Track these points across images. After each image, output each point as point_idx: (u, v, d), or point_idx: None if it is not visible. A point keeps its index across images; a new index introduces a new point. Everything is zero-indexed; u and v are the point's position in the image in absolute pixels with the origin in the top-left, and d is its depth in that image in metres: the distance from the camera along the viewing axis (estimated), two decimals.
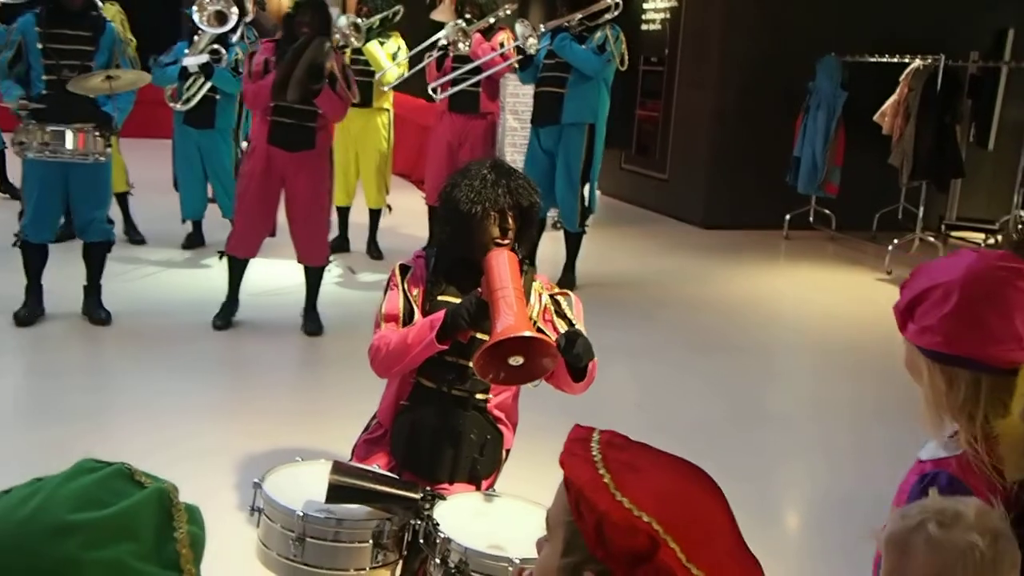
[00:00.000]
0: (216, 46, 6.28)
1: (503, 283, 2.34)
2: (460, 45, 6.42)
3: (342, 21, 6.46)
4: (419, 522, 2.21)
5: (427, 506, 2.20)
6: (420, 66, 6.84)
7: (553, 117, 6.33)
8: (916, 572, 1.25)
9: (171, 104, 6.65)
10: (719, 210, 9.10)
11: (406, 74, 6.91)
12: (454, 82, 6.56)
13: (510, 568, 2.00)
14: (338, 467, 2.21)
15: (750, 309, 6.52)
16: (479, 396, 2.58)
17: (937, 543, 1.23)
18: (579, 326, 2.52)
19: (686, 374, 5.13)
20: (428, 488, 2.28)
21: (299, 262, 5.41)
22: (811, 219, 8.92)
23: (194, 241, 7.12)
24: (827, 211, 8.80)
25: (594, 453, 1.13)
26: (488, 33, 6.66)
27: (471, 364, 2.42)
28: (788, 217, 8.83)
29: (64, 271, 5.41)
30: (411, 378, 2.58)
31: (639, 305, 6.45)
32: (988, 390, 1.48)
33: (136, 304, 5.67)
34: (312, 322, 5.41)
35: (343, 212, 7.23)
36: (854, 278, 7.57)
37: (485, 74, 6.60)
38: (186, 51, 6.35)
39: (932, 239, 7.98)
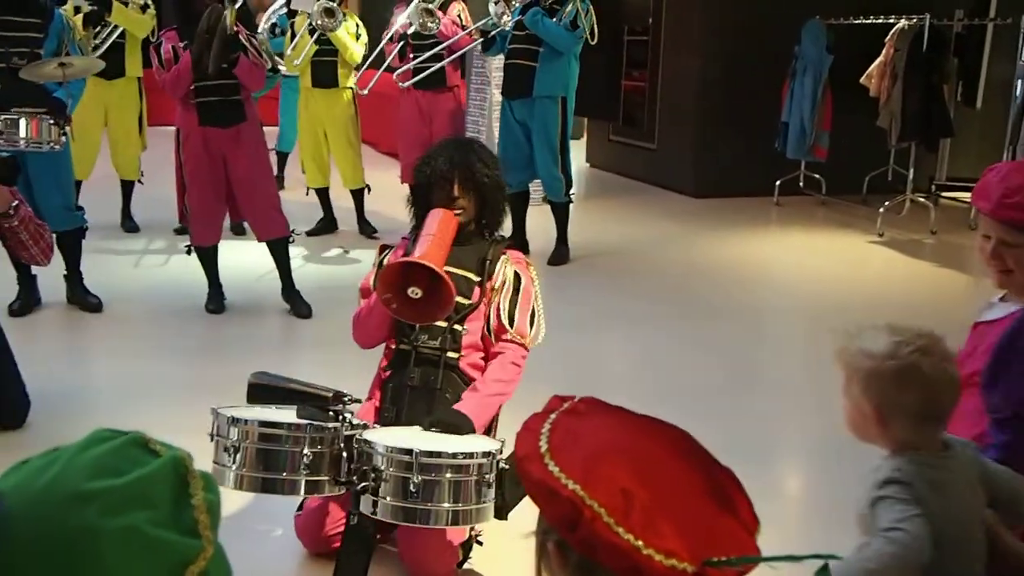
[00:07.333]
0: None
1: (429, 230, 2.69)
2: (430, 25, 6.38)
3: (315, 7, 6.43)
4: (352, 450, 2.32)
5: (338, 406, 2.33)
6: (380, 48, 6.77)
7: (525, 90, 6.28)
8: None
9: None
10: (709, 178, 9.09)
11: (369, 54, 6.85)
12: (416, 71, 6.54)
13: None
14: (258, 373, 2.47)
15: (743, 275, 6.52)
16: (450, 355, 2.77)
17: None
18: (517, 315, 2.77)
19: (683, 341, 5.13)
20: (341, 391, 2.39)
21: (260, 240, 5.31)
22: (801, 184, 8.92)
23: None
24: (817, 176, 8.80)
25: (547, 424, 1.11)
26: (443, 7, 6.59)
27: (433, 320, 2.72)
28: (778, 183, 8.82)
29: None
30: (391, 345, 2.84)
31: (634, 274, 6.45)
32: None
33: (126, 290, 5.64)
34: (298, 303, 5.31)
35: (323, 193, 7.19)
36: (846, 241, 7.58)
37: (451, 52, 6.57)
38: None
39: (923, 200, 7.98)
